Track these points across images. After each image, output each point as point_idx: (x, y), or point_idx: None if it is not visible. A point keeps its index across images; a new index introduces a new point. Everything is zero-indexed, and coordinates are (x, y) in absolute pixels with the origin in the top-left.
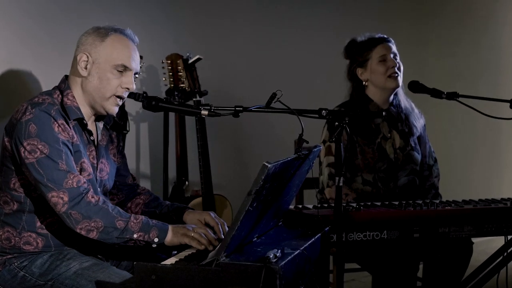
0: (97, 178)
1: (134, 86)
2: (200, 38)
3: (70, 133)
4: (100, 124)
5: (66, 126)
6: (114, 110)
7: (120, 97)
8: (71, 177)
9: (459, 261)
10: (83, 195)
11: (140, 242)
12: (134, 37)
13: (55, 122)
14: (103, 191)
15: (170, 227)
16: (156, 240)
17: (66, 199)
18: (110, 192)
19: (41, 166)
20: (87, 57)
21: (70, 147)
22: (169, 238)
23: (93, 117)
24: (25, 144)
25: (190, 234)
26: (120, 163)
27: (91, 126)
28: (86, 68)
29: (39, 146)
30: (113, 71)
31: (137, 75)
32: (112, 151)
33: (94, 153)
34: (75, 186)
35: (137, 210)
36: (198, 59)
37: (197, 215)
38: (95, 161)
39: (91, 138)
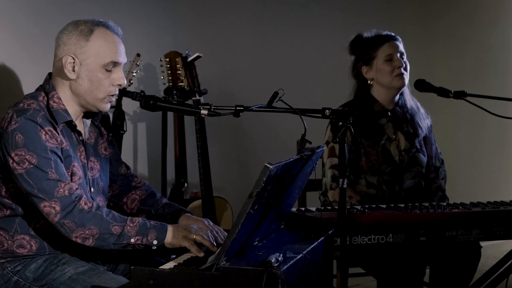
0: (89, 177)
1: (126, 81)
2: (199, 35)
3: (59, 139)
4: (88, 121)
5: (54, 132)
6: (107, 107)
7: (113, 95)
8: (62, 186)
9: (467, 265)
10: (76, 203)
11: (139, 246)
12: (118, 29)
13: (42, 130)
14: (99, 189)
15: (169, 227)
16: (155, 242)
17: (58, 208)
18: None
19: (30, 176)
20: (73, 59)
21: (60, 154)
22: (169, 239)
23: (81, 115)
24: (12, 155)
25: (192, 237)
26: (110, 153)
27: (79, 125)
28: (74, 70)
29: (27, 157)
30: (103, 70)
31: (134, 73)
32: (103, 145)
33: (84, 153)
34: (67, 194)
35: (133, 207)
36: (198, 57)
37: (191, 222)
38: (85, 161)
39: (80, 138)
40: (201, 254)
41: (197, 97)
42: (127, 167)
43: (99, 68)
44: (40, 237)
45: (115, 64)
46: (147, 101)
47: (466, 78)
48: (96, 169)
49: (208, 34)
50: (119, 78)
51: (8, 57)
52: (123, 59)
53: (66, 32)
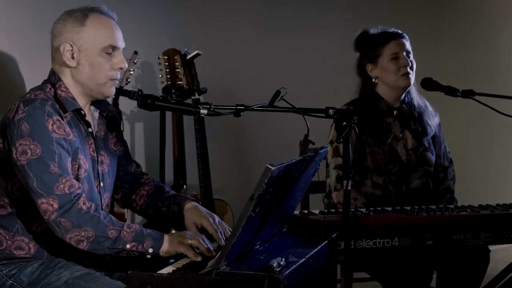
0: (99, 171)
1: (127, 65)
2: (199, 32)
3: (66, 130)
4: (96, 114)
5: (62, 122)
6: (112, 92)
7: (115, 79)
8: (63, 181)
9: (475, 270)
10: (74, 202)
11: (134, 253)
12: (113, 14)
13: (50, 119)
14: (107, 184)
15: (165, 236)
16: (150, 250)
17: (56, 206)
18: (113, 186)
19: (31, 168)
20: (71, 46)
21: (66, 145)
22: (165, 248)
23: (88, 107)
24: (17, 144)
25: (187, 243)
26: (121, 151)
27: (88, 116)
28: (73, 57)
29: (31, 147)
30: (102, 54)
31: (131, 72)
32: (112, 140)
33: (93, 145)
34: (67, 192)
35: (142, 203)
36: (197, 55)
37: (195, 217)
38: (95, 154)
39: (89, 130)
40: (199, 259)
41: (197, 96)
42: (137, 165)
43: (98, 52)
44: (39, 241)
45: (114, 48)
46: (144, 100)
47: (474, 76)
48: (106, 164)
49: (208, 31)
50: (120, 61)
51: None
52: (121, 43)
53: (60, 21)
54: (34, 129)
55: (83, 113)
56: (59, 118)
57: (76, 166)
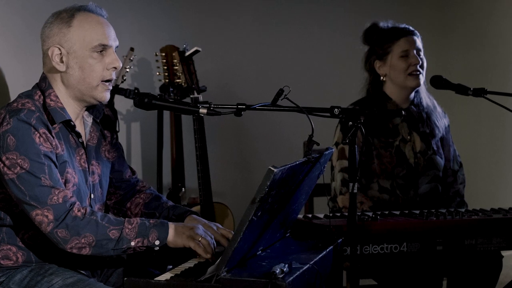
0: (90, 183)
1: (121, 64)
2: (198, 27)
3: (54, 143)
4: (89, 120)
5: (49, 135)
6: (106, 96)
7: (109, 80)
8: (56, 193)
9: (487, 276)
10: (69, 210)
11: (140, 249)
12: (102, 11)
13: (36, 132)
14: (99, 195)
15: (171, 225)
16: (157, 242)
17: (51, 217)
18: (107, 192)
19: (22, 182)
20: (59, 49)
21: (54, 158)
22: (171, 237)
23: (81, 114)
24: (3, 158)
25: (198, 239)
26: (114, 157)
27: (79, 126)
28: (62, 61)
29: (19, 161)
30: (93, 55)
31: (127, 69)
32: (106, 148)
33: (84, 156)
34: (61, 202)
35: (137, 212)
36: (196, 52)
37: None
38: (86, 165)
39: (80, 140)
40: (208, 256)
41: (196, 95)
42: (133, 172)
43: (88, 53)
44: (27, 249)
45: (105, 46)
46: (141, 99)
47: (486, 75)
48: (97, 174)
49: (207, 26)
50: (113, 60)
51: None
52: (113, 41)
53: (48, 24)
54: (20, 142)
55: (73, 124)
56: (46, 131)
57: (63, 180)
